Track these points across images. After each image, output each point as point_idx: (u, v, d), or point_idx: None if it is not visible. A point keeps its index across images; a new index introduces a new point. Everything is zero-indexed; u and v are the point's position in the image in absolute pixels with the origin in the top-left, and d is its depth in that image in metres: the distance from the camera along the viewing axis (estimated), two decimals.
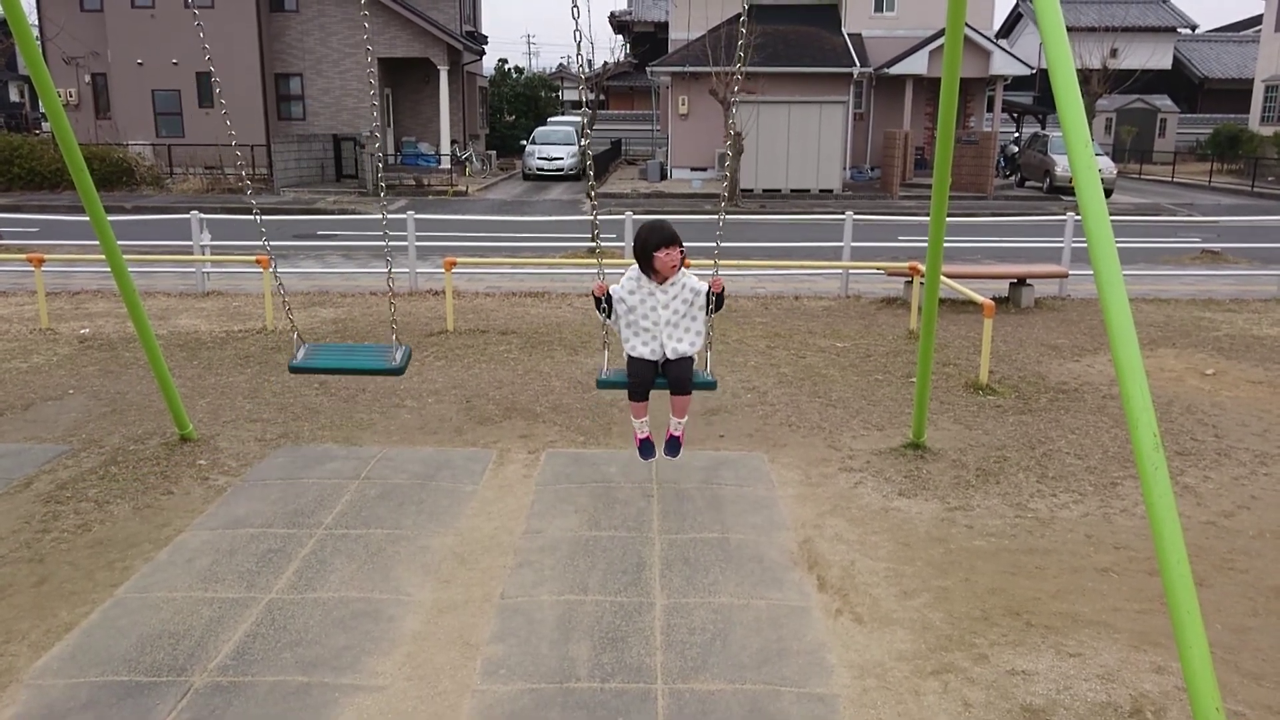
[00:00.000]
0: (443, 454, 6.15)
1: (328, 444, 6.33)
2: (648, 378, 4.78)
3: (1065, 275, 11.73)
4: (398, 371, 5.22)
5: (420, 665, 3.78)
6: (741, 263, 11.69)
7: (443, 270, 10.17)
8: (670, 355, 4.74)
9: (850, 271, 12.22)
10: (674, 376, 4.76)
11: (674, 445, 5.07)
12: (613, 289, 4.77)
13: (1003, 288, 11.50)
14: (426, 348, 9.03)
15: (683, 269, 4.69)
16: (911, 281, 10.46)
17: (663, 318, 4.70)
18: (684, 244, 4.63)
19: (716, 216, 4.73)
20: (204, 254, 12.21)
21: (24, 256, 10.64)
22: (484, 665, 3.78)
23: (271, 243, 5.57)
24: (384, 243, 5.35)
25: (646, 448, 5.08)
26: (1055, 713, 3.50)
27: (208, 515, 5.18)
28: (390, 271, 5.39)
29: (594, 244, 4.93)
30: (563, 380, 7.86)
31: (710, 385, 4.92)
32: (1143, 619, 4.17)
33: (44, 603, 4.24)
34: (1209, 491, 5.64)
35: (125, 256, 5.88)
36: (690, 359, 4.78)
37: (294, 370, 5.25)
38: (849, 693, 3.62)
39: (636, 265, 4.73)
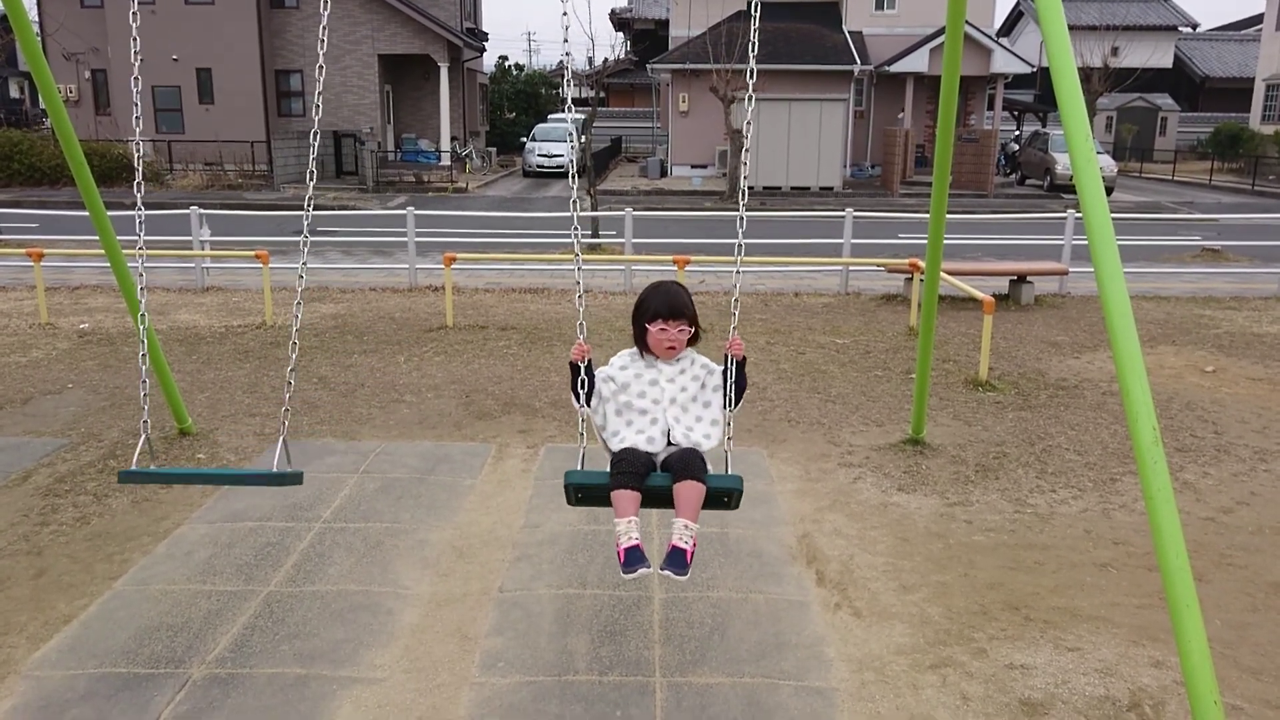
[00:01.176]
0: (441, 448, 6.15)
1: (327, 438, 6.32)
2: (642, 461, 3.30)
3: (1065, 273, 11.73)
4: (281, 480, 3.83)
5: (418, 658, 3.78)
6: (742, 259, 11.67)
7: (442, 266, 10.16)
8: (680, 443, 3.36)
9: (850, 268, 12.22)
10: (681, 458, 3.29)
11: (679, 560, 3.18)
12: (598, 370, 3.43)
13: (1003, 285, 11.49)
14: (426, 343, 9.03)
15: (691, 350, 3.46)
16: (911, 278, 10.45)
17: (667, 393, 3.39)
18: (695, 319, 3.43)
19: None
20: (203, 249, 12.20)
21: (24, 251, 10.64)
22: (482, 658, 3.78)
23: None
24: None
25: (634, 556, 3.15)
26: (1053, 707, 3.50)
27: (206, 509, 5.17)
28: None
29: (577, 265, 3.50)
30: (562, 376, 7.86)
31: (733, 490, 3.32)
32: (1141, 614, 4.17)
33: (42, 595, 4.24)
34: (1208, 488, 5.63)
35: (124, 252, 5.87)
36: (700, 452, 3.35)
37: (122, 480, 3.83)
38: (847, 686, 3.62)
39: (635, 346, 3.49)
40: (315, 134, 3.74)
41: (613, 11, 50.79)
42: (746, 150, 3.46)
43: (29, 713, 3.41)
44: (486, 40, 42.57)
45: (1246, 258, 15.38)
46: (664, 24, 39.72)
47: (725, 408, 3.41)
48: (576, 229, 3.46)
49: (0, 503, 5.22)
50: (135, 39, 3.67)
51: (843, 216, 12.43)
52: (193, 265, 12.27)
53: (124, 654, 3.77)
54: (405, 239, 12.43)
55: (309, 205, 3.83)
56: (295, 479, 3.84)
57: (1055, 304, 11.39)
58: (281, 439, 3.83)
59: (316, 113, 3.65)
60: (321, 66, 3.73)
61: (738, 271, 3.50)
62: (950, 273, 9.11)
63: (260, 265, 10.12)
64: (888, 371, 8.13)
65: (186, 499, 5.31)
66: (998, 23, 36.78)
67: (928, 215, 5.54)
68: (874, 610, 4.18)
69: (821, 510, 5.24)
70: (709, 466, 3.34)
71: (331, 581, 4.38)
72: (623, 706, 3.48)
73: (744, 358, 3.39)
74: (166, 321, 9.92)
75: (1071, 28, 3.06)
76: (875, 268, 12.38)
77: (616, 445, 3.39)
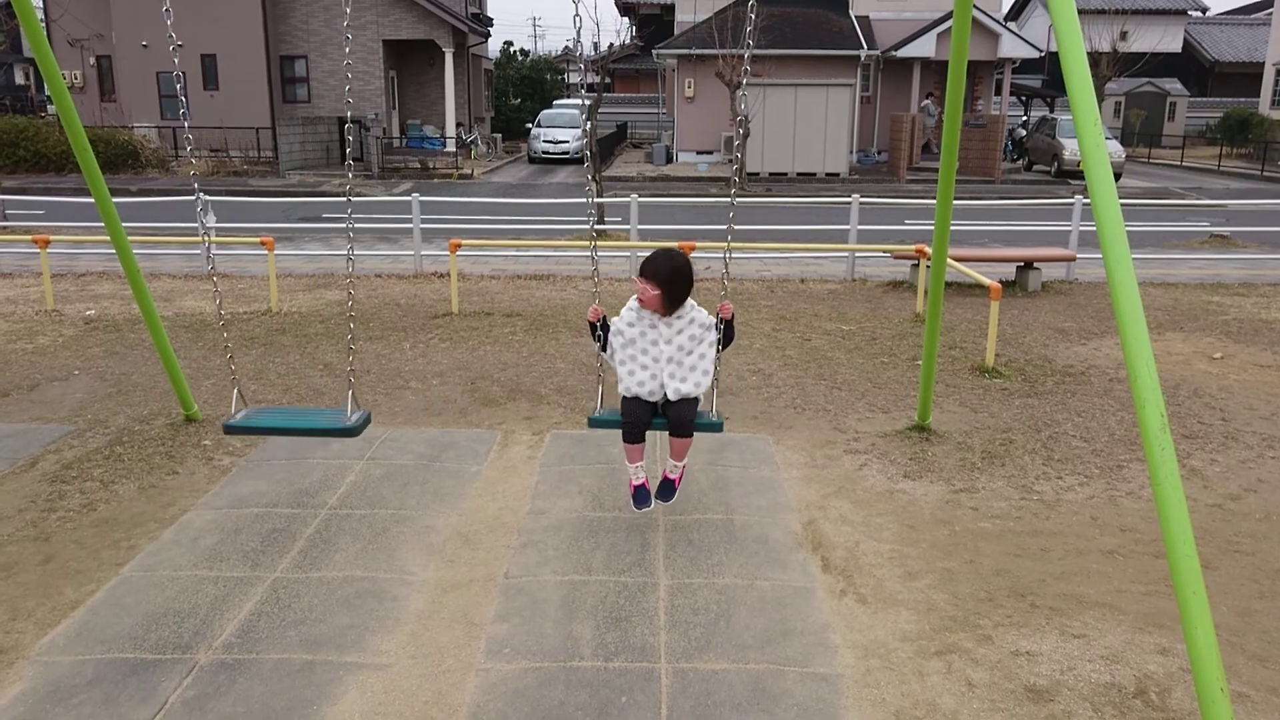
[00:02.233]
0: (447, 435, 6.15)
1: None
2: (644, 418, 4.33)
3: (1073, 259, 11.68)
4: (351, 432, 4.68)
5: (424, 644, 3.79)
6: (747, 245, 11.66)
7: (448, 252, 10.15)
8: (671, 396, 4.29)
9: (856, 254, 12.18)
10: (675, 417, 4.30)
11: (668, 489, 4.57)
12: (611, 320, 4.37)
13: (1010, 271, 11.46)
14: (431, 329, 9.02)
15: (690, 302, 4.28)
16: (918, 264, 10.42)
17: (664, 353, 4.26)
18: (692, 281, 4.24)
19: (726, 200, 4.63)
20: (209, 236, 12.19)
21: (29, 238, 10.65)
22: (488, 644, 3.78)
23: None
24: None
25: (641, 495, 4.53)
26: (1059, 693, 3.50)
27: (213, 495, 5.19)
28: (351, 345, 5.07)
29: (591, 235, 4.57)
30: (567, 362, 7.85)
31: (716, 427, 4.46)
32: (1148, 601, 4.16)
33: (50, 581, 4.25)
34: (1216, 474, 5.62)
35: (130, 238, 5.87)
36: (695, 400, 4.33)
37: (229, 430, 4.70)
38: (852, 673, 3.62)
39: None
40: (346, 123, 3.72)
41: None
42: (742, 119, 4.03)
43: (37, 698, 3.42)
44: (491, 26, 42.44)
45: (1255, 244, 15.30)
46: (670, 9, 39.49)
47: (716, 352, 4.33)
48: (591, 208, 4.40)
49: (7, 489, 5.24)
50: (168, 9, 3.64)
51: (849, 203, 12.38)
52: (198, 252, 12.27)
53: (131, 640, 3.78)
54: (410, 225, 12.42)
55: (349, 193, 4.12)
56: (365, 423, 4.75)
57: (1062, 290, 11.35)
58: (350, 393, 4.79)
59: (347, 108, 3.63)
60: (348, 64, 3.71)
61: (728, 244, 4.45)
62: (957, 259, 9.08)
63: (265, 251, 10.11)
64: (894, 358, 8.11)
65: (193, 485, 5.33)
66: (1006, 7, 36.55)
67: (934, 201, 5.51)
68: (879, 597, 4.17)
69: (827, 497, 5.24)
70: (700, 399, 4.37)
71: (337, 568, 4.39)
72: (628, 692, 3.48)
73: (733, 315, 4.31)
74: (172, 308, 9.93)
75: (1080, 12, 3.03)
76: (882, 254, 12.36)
77: (622, 389, 4.38)
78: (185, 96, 4.46)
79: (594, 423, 4.54)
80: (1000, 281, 7.97)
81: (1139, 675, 3.61)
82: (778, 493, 5.27)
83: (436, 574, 4.35)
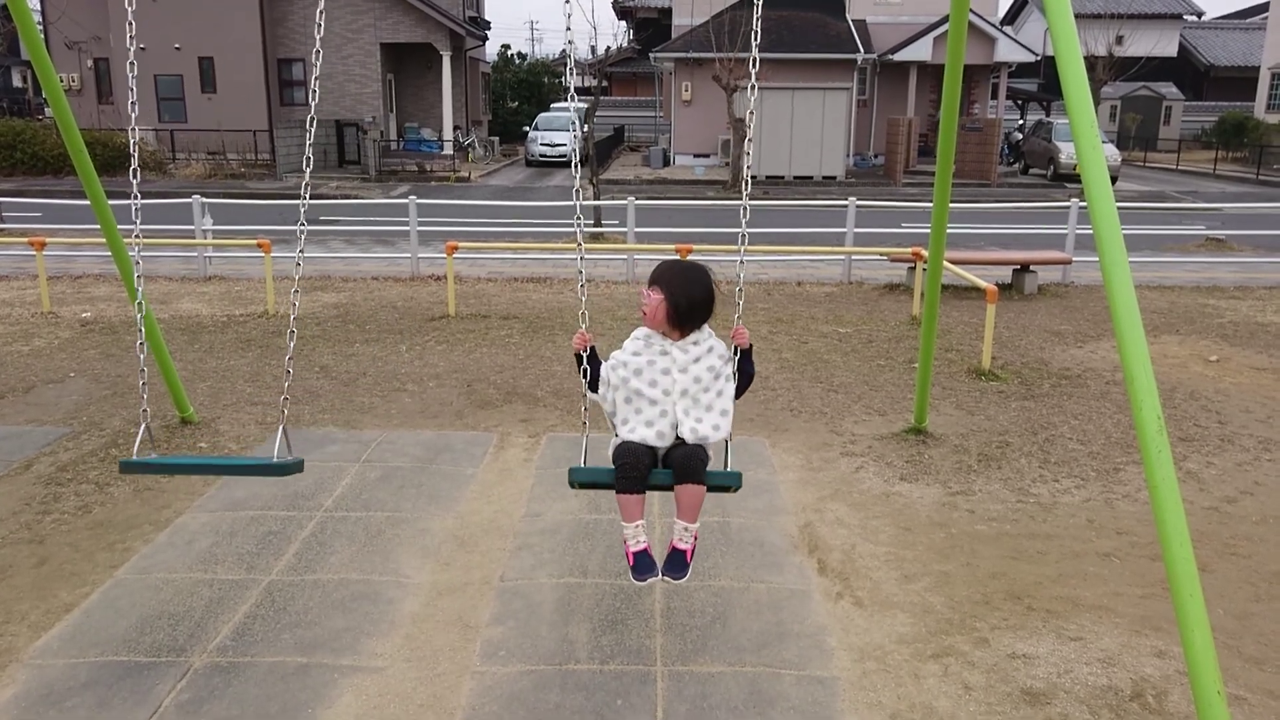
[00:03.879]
0: (443, 438, 6.14)
1: (328, 427, 6.32)
2: (644, 464, 3.30)
3: (1069, 262, 11.69)
4: (281, 470, 3.82)
5: (419, 647, 3.78)
6: (746, 248, 11.63)
7: (444, 255, 10.15)
8: (688, 438, 3.31)
9: (853, 257, 12.19)
10: (683, 460, 3.29)
11: (679, 563, 3.38)
12: (612, 354, 3.41)
13: (1006, 274, 11.46)
14: (428, 332, 9.02)
15: (708, 329, 3.41)
16: (914, 267, 10.42)
17: (678, 385, 3.32)
18: (713, 294, 3.39)
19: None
20: (206, 238, 12.19)
21: (26, 240, 10.63)
22: (483, 647, 3.77)
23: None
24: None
25: (643, 563, 3.35)
26: (1056, 696, 3.49)
27: (208, 497, 5.17)
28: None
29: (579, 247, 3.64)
30: (564, 365, 7.85)
31: (732, 483, 3.41)
32: (1144, 603, 4.16)
33: (44, 584, 4.24)
34: (1212, 477, 5.62)
35: (126, 240, 5.86)
36: (704, 447, 3.34)
37: (124, 469, 3.84)
38: (849, 675, 3.61)
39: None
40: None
41: (615, 0, 50.59)
42: (749, 140, 3.54)
43: (30, 701, 3.41)
44: (489, 29, 42.45)
45: (1250, 247, 15.32)
46: (667, 12, 39.54)
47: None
48: (579, 218, 3.54)
49: (2, 491, 5.23)
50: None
51: (846, 206, 12.39)
52: (195, 254, 12.26)
53: (125, 642, 3.77)
54: (408, 228, 12.41)
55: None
56: (296, 468, 3.79)
57: (1059, 293, 11.36)
58: (281, 427, 3.81)
59: (312, 107, 3.59)
60: (316, 72, 3.69)
61: (741, 261, 3.58)
62: (953, 262, 9.08)
63: (262, 254, 10.10)
64: (890, 361, 8.11)
65: (188, 488, 5.31)
66: (1002, 11, 36.66)
67: (931, 204, 5.51)
68: (876, 600, 4.17)
69: (824, 500, 5.23)
70: (711, 454, 3.36)
71: (333, 570, 4.37)
72: (624, 695, 3.47)
73: (749, 345, 3.45)
74: (169, 310, 9.92)
75: (1077, 16, 3.03)
76: (878, 257, 12.36)
77: (625, 434, 3.35)
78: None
79: (578, 483, 3.44)
80: (996, 284, 7.98)
81: (1136, 678, 3.61)
82: (774, 495, 5.27)
83: (432, 577, 4.34)
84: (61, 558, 4.48)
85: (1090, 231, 2.96)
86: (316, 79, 3.72)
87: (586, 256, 3.57)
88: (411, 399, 6.96)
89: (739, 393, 3.45)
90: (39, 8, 29.53)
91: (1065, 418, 6.65)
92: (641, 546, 3.36)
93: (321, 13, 3.67)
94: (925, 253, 7.97)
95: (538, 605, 4.08)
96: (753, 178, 3.81)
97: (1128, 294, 2.78)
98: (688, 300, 3.33)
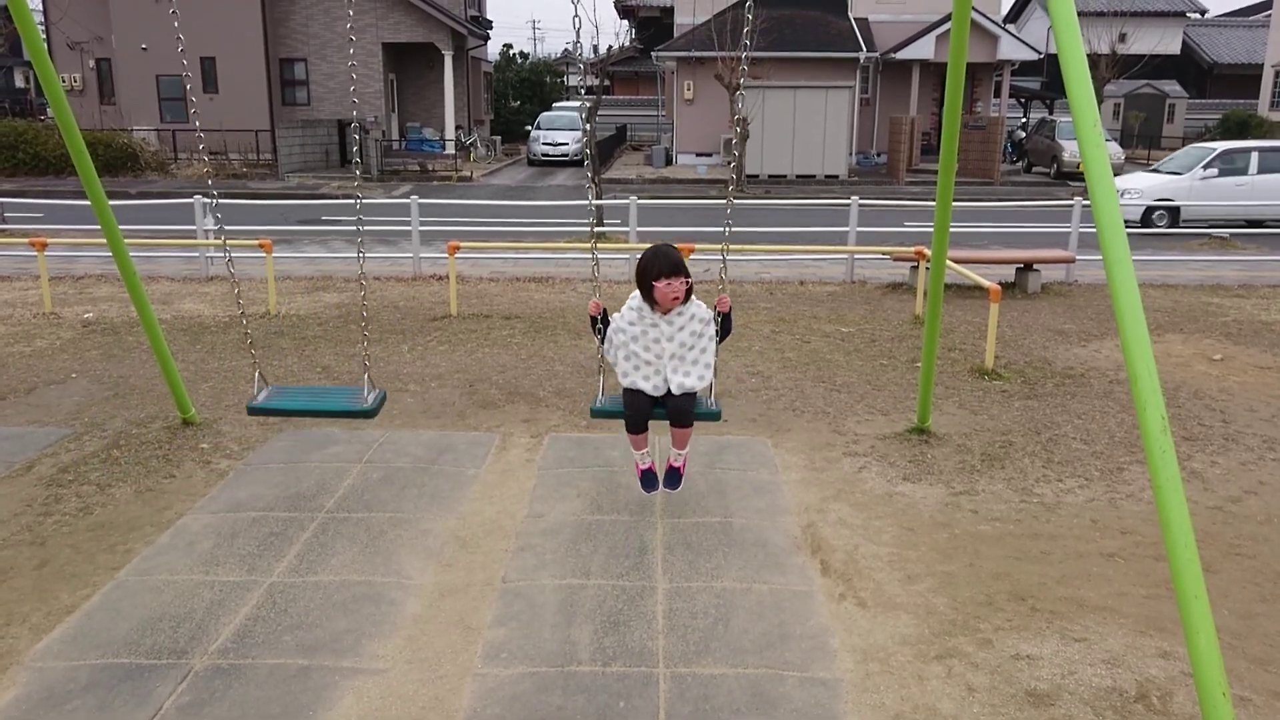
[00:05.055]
0: (445, 438, 6.13)
1: (330, 428, 6.30)
2: (645, 410, 4.51)
3: (1072, 260, 11.67)
4: (369, 414, 4.95)
5: (421, 648, 3.77)
6: (746, 247, 11.64)
7: (446, 255, 10.14)
8: (675, 390, 4.45)
9: (856, 256, 12.17)
10: (675, 409, 4.47)
11: (674, 477, 4.80)
12: (612, 317, 4.51)
13: (1009, 273, 11.44)
14: (430, 332, 9.01)
15: (691, 299, 4.43)
16: (917, 266, 10.40)
17: (666, 350, 4.42)
18: (690, 275, 4.37)
19: (725, 202, 4.61)
20: (208, 239, 12.18)
21: (27, 241, 10.63)
22: (485, 649, 3.76)
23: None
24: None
25: (649, 479, 4.78)
26: (1060, 698, 3.48)
27: (209, 499, 5.16)
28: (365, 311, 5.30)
29: (592, 236, 4.78)
30: (566, 365, 7.83)
31: (714, 416, 4.67)
32: (1149, 604, 4.14)
33: (45, 585, 4.23)
34: (1216, 477, 5.60)
35: (128, 241, 5.86)
36: (694, 393, 4.51)
37: (252, 412, 5.00)
38: (852, 677, 3.60)
39: (638, 293, 4.45)
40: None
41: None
42: (738, 138, 4.00)
43: (31, 703, 3.40)
44: (490, 28, 42.44)
45: (1254, 245, 15.29)
46: (669, 11, 39.46)
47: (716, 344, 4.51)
48: (591, 206, 4.63)
49: (3, 493, 5.22)
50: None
51: (848, 204, 12.37)
52: (197, 255, 12.25)
53: (126, 644, 3.76)
54: (409, 228, 12.41)
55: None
56: (378, 409, 4.98)
57: (1062, 292, 11.34)
58: (366, 375, 5.01)
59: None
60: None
61: (725, 243, 4.67)
62: (956, 261, 9.06)
63: (264, 254, 10.09)
64: (893, 360, 8.09)
65: (190, 489, 5.31)
66: (1005, 9, 36.54)
67: (934, 203, 5.49)
68: (879, 601, 4.15)
69: (826, 500, 5.22)
70: (699, 395, 4.55)
71: (334, 572, 4.36)
72: (626, 697, 3.46)
73: (730, 308, 4.48)
74: (170, 311, 9.92)
75: (1080, 14, 3.02)
76: (881, 256, 12.34)
77: (626, 383, 4.49)
78: (190, 99, 4.51)
79: (596, 413, 4.71)
80: (1000, 283, 7.95)
81: (1140, 679, 3.59)
82: (776, 495, 5.25)
83: (434, 578, 4.33)
84: (62, 559, 4.47)
85: (1093, 230, 2.95)
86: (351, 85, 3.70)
87: (587, 257, 3.75)
88: (413, 399, 6.95)
89: (721, 339, 4.50)
90: (41, 8, 29.57)
91: (1069, 417, 6.63)
92: (648, 465, 4.74)
93: (345, 17, 3.66)
94: (928, 251, 7.95)
95: (540, 607, 4.07)
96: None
97: (1131, 293, 2.77)
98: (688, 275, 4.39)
